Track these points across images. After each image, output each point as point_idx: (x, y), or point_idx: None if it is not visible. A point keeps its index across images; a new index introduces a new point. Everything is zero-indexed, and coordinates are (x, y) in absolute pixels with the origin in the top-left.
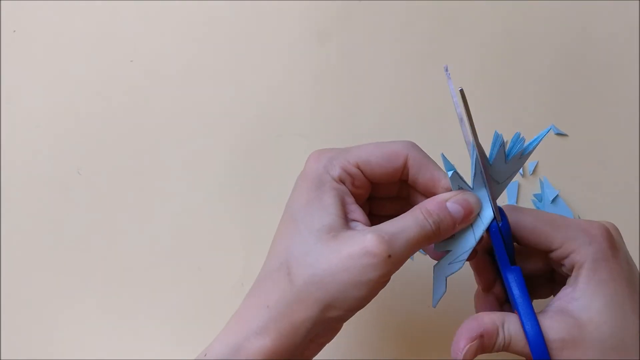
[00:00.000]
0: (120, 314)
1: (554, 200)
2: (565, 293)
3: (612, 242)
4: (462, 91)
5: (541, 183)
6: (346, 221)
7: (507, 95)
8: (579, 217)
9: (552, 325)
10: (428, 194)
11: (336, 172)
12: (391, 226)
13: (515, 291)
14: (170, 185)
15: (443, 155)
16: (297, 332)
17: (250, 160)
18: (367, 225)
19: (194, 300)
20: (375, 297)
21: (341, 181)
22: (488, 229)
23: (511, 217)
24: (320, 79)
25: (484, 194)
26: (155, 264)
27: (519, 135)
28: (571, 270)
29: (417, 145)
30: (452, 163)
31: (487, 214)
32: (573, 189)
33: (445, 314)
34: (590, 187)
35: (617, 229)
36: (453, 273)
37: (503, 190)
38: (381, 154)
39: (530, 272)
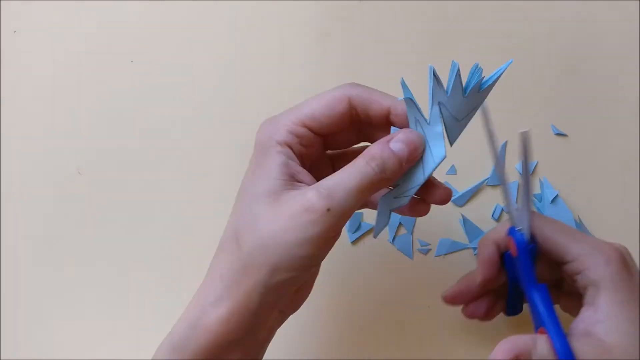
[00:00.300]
0: (120, 314)
1: (553, 200)
2: (588, 315)
3: (627, 264)
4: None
5: (541, 183)
6: (289, 183)
7: (506, 95)
8: (579, 218)
9: (581, 348)
10: (384, 124)
11: (281, 136)
12: (331, 179)
13: (543, 310)
14: (170, 185)
15: (403, 81)
16: (251, 298)
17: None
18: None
19: None
20: (374, 297)
21: (287, 145)
22: (517, 247)
23: (532, 223)
24: (320, 79)
25: (439, 130)
26: (156, 264)
27: (477, 65)
28: (584, 287)
29: (358, 84)
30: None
31: (439, 152)
32: (572, 189)
33: (446, 314)
34: (590, 187)
35: (629, 252)
36: (398, 207)
37: (462, 128)
38: (324, 104)
39: (539, 277)
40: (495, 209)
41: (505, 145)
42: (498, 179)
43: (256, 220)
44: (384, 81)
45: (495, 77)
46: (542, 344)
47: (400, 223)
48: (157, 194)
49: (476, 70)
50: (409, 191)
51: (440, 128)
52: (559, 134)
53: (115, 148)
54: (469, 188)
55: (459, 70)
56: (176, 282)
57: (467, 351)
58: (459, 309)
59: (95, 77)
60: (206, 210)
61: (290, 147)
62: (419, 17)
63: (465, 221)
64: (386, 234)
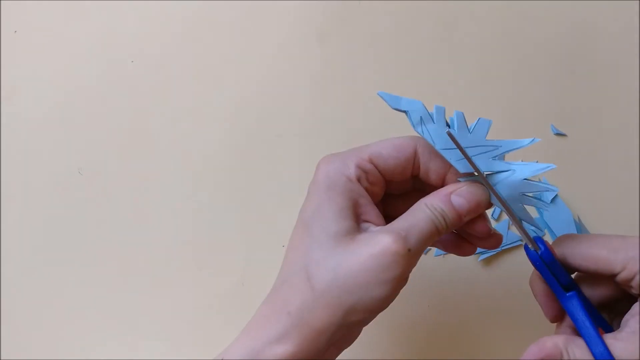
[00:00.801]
0: (120, 314)
1: (553, 200)
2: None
3: None
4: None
5: None
6: (361, 222)
7: (506, 95)
8: (578, 217)
9: (627, 347)
10: (440, 183)
11: (351, 170)
12: (404, 222)
13: (576, 315)
14: (171, 185)
15: (437, 107)
16: (320, 338)
17: (250, 160)
18: (381, 224)
19: (194, 300)
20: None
21: (357, 179)
22: (533, 264)
23: (566, 247)
24: (320, 79)
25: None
26: (156, 264)
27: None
28: None
29: (425, 140)
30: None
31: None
32: (572, 189)
33: (446, 314)
34: (589, 187)
35: None
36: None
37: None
38: (392, 145)
39: (602, 299)
40: (494, 209)
41: None
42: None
43: (332, 259)
44: (384, 81)
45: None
46: (575, 346)
47: None
48: (157, 194)
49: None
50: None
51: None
52: (559, 134)
53: (116, 148)
54: None
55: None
56: (176, 282)
57: (467, 351)
58: (458, 309)
59: (95, 77)
60: (206, 210)
61: (360, 182)
62: (419, 17)
63: None
64: None
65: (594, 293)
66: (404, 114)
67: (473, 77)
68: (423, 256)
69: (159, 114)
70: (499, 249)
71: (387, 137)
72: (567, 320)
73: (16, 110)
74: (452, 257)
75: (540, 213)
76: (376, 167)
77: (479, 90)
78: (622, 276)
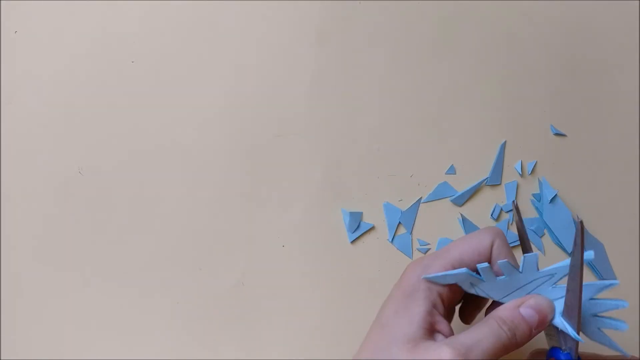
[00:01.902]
0: (120, 314)
1: (552, 200)
2: None
3: None
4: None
5: (540, 183)
6: (430, 332)
7: (506, 95)
8: (578, 217)
9: None
10: None
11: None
12: (467, 337)
13: None
14: (171, 185)
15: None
16: None
17: (250, 160)
18: (449, 335)
19: (194, 300)
20: (374, 296)
21: (435, 289)
22: None
23: None
24: (320, 79)
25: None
26: (156, 264)
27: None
28: None
29: (502, 234)
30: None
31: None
32: (571, 189)
33: None
34: (589, 187)
35: None
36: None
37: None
38: (474, 249)
39: None
40: (494, 209)
41: (504, 145)
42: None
43: None
44: (384, 81)
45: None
46: None
47: (400, 223)
48: (157, 194)
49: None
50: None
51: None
52: (558, 134)
53: (116, 148)
54: (468, 188)
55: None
56: (177, 282)
57: None
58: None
59: (96, 77)
60: (206, 210)
61: (438, 292)
62: (419, 17)
63: (464, 220)
64: (386, 233)
65: None
66: (403, 114)
67: (473, 77)
68: (423, 255)
69: (159, 113)
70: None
71: (386, 138)
72: None
73: (16, 110)
74: None
75: (540, 213)
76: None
77: (479, 90)
78: None
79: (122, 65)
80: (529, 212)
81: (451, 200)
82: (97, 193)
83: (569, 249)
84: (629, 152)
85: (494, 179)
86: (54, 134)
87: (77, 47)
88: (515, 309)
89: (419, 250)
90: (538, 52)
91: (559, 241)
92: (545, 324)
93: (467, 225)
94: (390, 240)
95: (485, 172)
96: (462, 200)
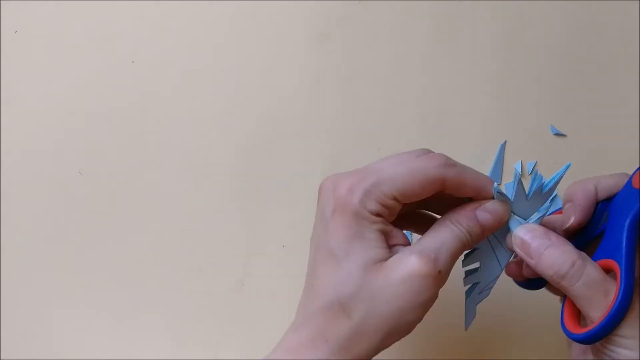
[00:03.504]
0: (120, 314)
1: (552, 200)
2: None
3: None
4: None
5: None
6: (389, 248)
7: (506, 95)
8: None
9: None
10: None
11: (374, 206)
12: (431, 242)
13: (627, 245)
14: (171, 186)
15: (497, 187)
16: None
17: (251, 160)
18: (406, 244)
19: (194, 300)
20: None
21: (379, 215)
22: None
23: None
24: (321, 79)
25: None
26: (156, 264)
27: (537, 172)
28: None
29: (451, 162)
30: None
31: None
32: None
33: (446, 314)
34: None
35: None
36: (482, 300)
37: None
38: (418, 183)
39: None
40: None
41: (504, 145)
42: None
43: (365, 288)
44: (384, 81)
45: (555, 181)
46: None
47: None
48: (158, 194)
49: (536, 176)
50: (490, 284)
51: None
52: (558, 134)
53: (116, 148)
54: None
55: (520, 180)
56: (177, 282)
57: (468, 351)
58: (457, 309)
59: (96, 77)
60: (207, 210)
61: (383, 216)
62: (419, 17)
63: None
64: None
65: None
66: (403, 114)
67: (473, 77)
68: None
69: (159, 114)
70: None
71: (386, 138)
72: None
73: (16, 110)
74: None
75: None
76: (398, 201)
77: (479, 90)
78: None
79: (122, 65)
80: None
81: None
82: (97, 193)
83: None
84: (629, 152)
85: (494, 179)
86: (54, 134)
87: (77, 47)
88: (472, 211)
89: None
90: (538, 52)
91: None
92: (498, 227)
93: None
94: None
95: (485, 172)
96: None
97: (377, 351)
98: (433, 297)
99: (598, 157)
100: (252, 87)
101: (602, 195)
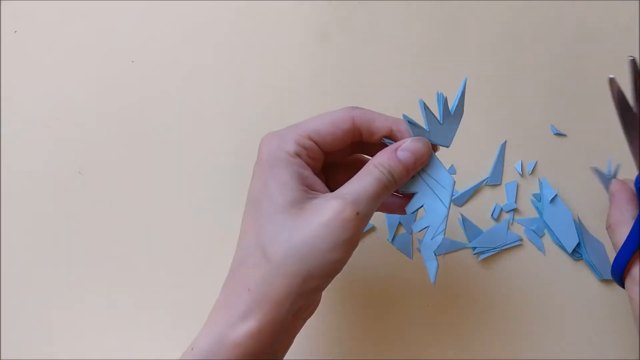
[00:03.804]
0: (120, 314)
1: (552, 200)
2: None
3: None
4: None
5: (540, 183)
6: (308, 192)
7: (505, 95)
8: (578, 217)
9: None
10: (383, 146)
11: (291, 147)
12: (352, 186)
13: None
14: (171, 185)
15: (422, 101)
16: (281, 309)
17: (251, 159)
18: (327, 193)
19: (194, 300)
20: (374, 296)
21: (297, 155)
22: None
23: None
24: (321, 78)
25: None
26: (156, 264)
27: (439, 93)
28: None
29: (359, 107)
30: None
31: (448, 180)
32: (571, 189)
33: (445, 313)
34: (589, 187)
35: None
36: (439, 245)
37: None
38: (329, 122)
39: None
40: (494, 209)
41: (504, 145)
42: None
43: (284, 230)
44: (384, 81)
45: (458, 98)
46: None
47: (400, 223)
48: (158, 194)
49: (439, 98)
50: (440, 226)
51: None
52: (558, 134)
53: (117, 148)
54: (468, 188)
55: (426, 106)
56: (177, 282)
57: (468, 351)
58: (458, 308)
59: (96, 77)
60: (207, 210)
61: (301, 158)
62: (418, 17)
63: (465, 221)
64: (386, 233)
65: None
66: (402, 113)
67: (473, 77)
68: (420, 256)
69: (159, 113)
70: (499, 249)
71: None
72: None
73: (16, 110)
74: (452, 257)
75: (540, 213)
76: (315, 143)
77: (479, 90)
78: None
79: (122, 64)
80: (529, 212)
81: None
82: (97, 193)
83: (570, 249)
84: (628, 152)
85: (494, 179)
86: (54, 134)
87: (77, 47)
88: (393, 152)
89: (419, 250)
90: (538, 52)
91: (559, 241)
92: (421, 165)
93: (468, 225)
94: (391, 240)
95: (485, 172)
96: (462, 200)
97: (299, 295)
98: (353, 238)
99: (598, 157)
100: (252, 87)
101: None
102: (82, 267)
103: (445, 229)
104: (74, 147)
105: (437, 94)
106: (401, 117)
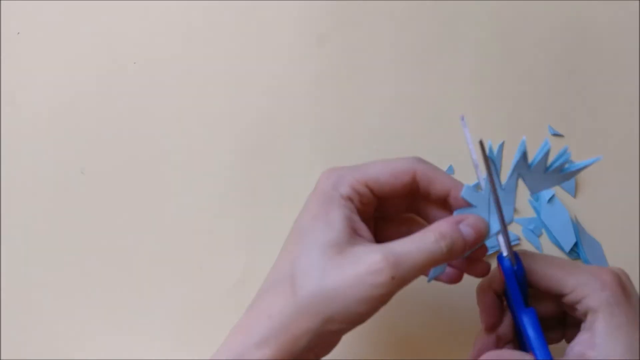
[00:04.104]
0: (120, 314)
1: (550, 200)
2: (583, 339)
3: (624, 287)
4: (481, 142)
5: None
6: (352, 237)
7: (504, 95)
8: (575, 217)
9: None
10: (440, 204)
11: (345, 189)
12: (400, 246)
13: (531, 333)
14: (172, 186)
15: (482, 143)
16: (297, 344)
17: (251, 161)
18: (371, 242)
19: (194, 300)
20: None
21: (349, 199)
22: (503, 272)
23: (525, 261)
24: (320, 80)
25: (511, 197)
26: (157, 264)
27: (567, 149)
28: (584, 314)
29: (423, 160)
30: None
31: (509, 215)
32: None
33: (445, 313)
34: (587, 187)
35: (626, 275)
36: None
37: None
38: (389, 171)
39: (542, 315)
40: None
41: (502, 145)
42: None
43: (317, 269)
44: (384, 81)
45: (580, 167)
46: None
47: None
48: (159, 195)
49: (564, 153)
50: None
51: (512, 195)
52: (556, 135)
53: (119, 148)
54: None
55: (548, 151)
56: (179, 282)
57: (468, 351)
58: (455, 310)
59: (98, 78)
60: (208, 211)
61: (352, 202)
62: (418, 18)
63: None
64: None
65: (536, 309)
66: (402, 114)
67: (471, 77)
68: None
69: (161, 114)
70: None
71: (387, 139)
72: (503, 332)
73: (19, 110)
74: None
75: (538, 213)
76: (371, 190)
77: (477, 90)
78: (570, 297)
79: (124, 66)
80: (527, 212)
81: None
82: (99, 193)
83: (567, 248)
84: (628, 153)
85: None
86: (57, 134)
87: (79, 48)
88: (456, 224)
89: None
90: (537, 51)
91: (557, 241)
92: (479, 242)
93: None
94: None
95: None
96: None
97: (318, 334)
98: (383, 298)
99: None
100: (253, 88)
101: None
102: (83, 267)
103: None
104: (76, 148)
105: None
106: (462, 183)
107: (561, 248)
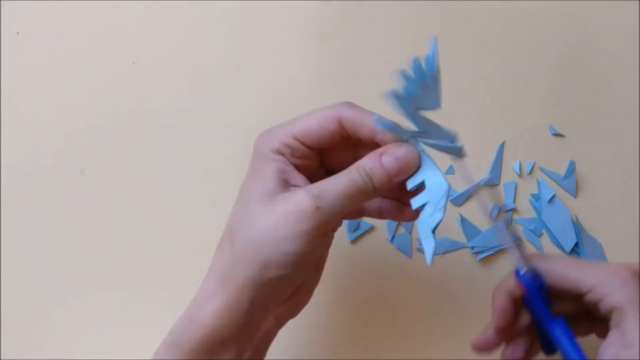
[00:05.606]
0: (121, 314)
1: (550, 200)
2: (614, 338)
3: None
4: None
5: (538, 183)
6: (284, 187)
7: (504, 96)
8: (576, 217)
9: None
10: (375, 147)
11: (275, 144)
12: (324, 182)
13: (566, 342)
14: (172, 185)
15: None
16: (242, 294)
17: (250, 159)
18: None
19: None
20: (373, 295)
21: (279, 153)
22: (526, 288)
23: (539, 265)
24: (321, 79)
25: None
26: (157, 264)
27: (417, 60)
28: (609, 312)
29: (353, 105)
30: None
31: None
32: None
33: (445, 313)
34: (587, 187)
35: None
36: (437, 224)
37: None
38: (314, 121)
39: (565, 313)
40: (492, 209)
41: (502, 145)
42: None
43: (249, 218)
44: (383, 81)
45: (433, 56)
46: None
47: (399, 222)
48: (159, 195)
49: (415, 64)
50: (440, 203)
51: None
52: (556, 134)
53: (118, 148)
54: (466, 188)
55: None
56: (178, 282)
57: (467, 351)
58: (457, 308)
59: (98, 78)
60: (208, 211)
61: (284, 156)
62: (418, 18)
63: (464, 221)
64: (385, 233)
65: (557, 308)
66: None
67: (471, 77)
68: (422, 255)
69: (161, 114)
70: (498, 248)
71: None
72: (520, 342)
73: (18, 110)
74: (451, 257)
75: (538, 213)
76: (302, 143)
77: (477, 91)
78: (590, 297)
79: (123, 66)
80: (527, 212)
81: (450, 201)
82: (99, 193)
83: (568, 249)
84: (627, 153)
85: (493, 179)
86: (56, 134)
87: (79, 48)
88: (377, 156)
89: (418, 250)
90: (537, 52)
91: (558, 241)
92: (407, 172)
93: (466, 226)
94: (390, 240)
95: (484, 173)
96: (461, 200)
97: (260, 284)
98: (311, 232)
99: (596, 157)
100: (253, 88)
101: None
102: (83, 267)
103: (445, 205)
104: (75, 148)
105: (413, 60)
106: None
107: (562, 248)
